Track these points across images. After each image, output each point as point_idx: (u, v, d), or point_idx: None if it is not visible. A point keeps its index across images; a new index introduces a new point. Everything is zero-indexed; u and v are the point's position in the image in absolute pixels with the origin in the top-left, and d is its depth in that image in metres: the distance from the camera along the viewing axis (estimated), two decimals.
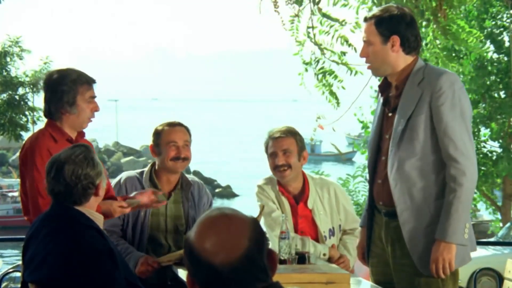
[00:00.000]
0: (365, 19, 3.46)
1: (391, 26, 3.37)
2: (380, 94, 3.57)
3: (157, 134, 4.26)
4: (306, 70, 6.56)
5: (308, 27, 6.29)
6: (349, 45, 6.19)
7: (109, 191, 3.77)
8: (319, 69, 6.52)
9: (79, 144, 3.31)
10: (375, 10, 3.47)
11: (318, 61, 6.50)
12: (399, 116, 3.38)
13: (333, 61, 6.40)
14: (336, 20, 6.16)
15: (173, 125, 4.27)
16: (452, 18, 6.08)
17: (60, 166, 3.10)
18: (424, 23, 6.25)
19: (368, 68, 3.51)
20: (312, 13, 6.22)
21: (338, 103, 6.59)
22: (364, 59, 3.50)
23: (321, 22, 6.24)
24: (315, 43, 6.36)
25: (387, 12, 3.39)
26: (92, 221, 3.13)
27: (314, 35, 6.34)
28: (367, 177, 3.80)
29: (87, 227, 3.08)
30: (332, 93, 6.55)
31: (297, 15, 6.22)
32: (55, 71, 3.80)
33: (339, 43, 6.25)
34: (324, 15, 6.16)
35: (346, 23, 6.13)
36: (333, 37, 6.23)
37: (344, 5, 6.27)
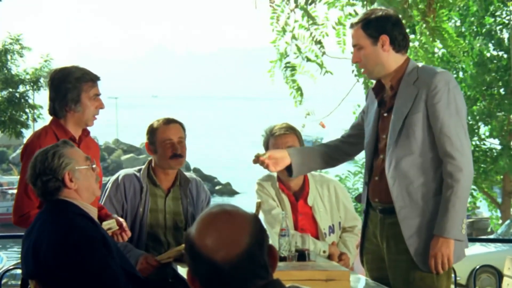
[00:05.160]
0: (351, 26, 3.50)
1: (378, 26, 3.41)
2: (374, 97, 3.59)
3: (152, 132, 4.23)
4: (281, 60, 6.53)
5: (287, 18, 6.27)
6: (321, 46, 6.19)
7: (102, 209, 3.77)
8: (286, 63, 6.50)
9: (60, 142, 3.23)
10: (360, 15, 3.52)
11: (288, 55, 6.47)
12: (396, 115, 3.41)
13: (306, 57, 6.39)
14: (313, 18, 6.14)
15: (167, 122, 4.23)
16: (441, 23, 6.06)
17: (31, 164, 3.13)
18: (413, 24, 6.24)
19: (363, 72, 3.56)
20: (296, 6, 6.20)
21: (301, 101, 6.57)
22: (355, 64, 3.55)
23: (302, 17, 6.23)
24: (292, 37, 6.35)
25: (373, 14, 3.45)
26: (84, 210, 3.12)
27: (293, 28, 6.33)
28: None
29: (78, 215, 3.07)
30: (298, 89, 6.52)
31: (286, 2, 6.19)
32: (59, 69, 3.76)
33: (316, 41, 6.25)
34: (303, 9, 6.14)
35: (317, 24, 6.11)
36: (311, 34, 6.22)
37: (331, 5, 6.26)
